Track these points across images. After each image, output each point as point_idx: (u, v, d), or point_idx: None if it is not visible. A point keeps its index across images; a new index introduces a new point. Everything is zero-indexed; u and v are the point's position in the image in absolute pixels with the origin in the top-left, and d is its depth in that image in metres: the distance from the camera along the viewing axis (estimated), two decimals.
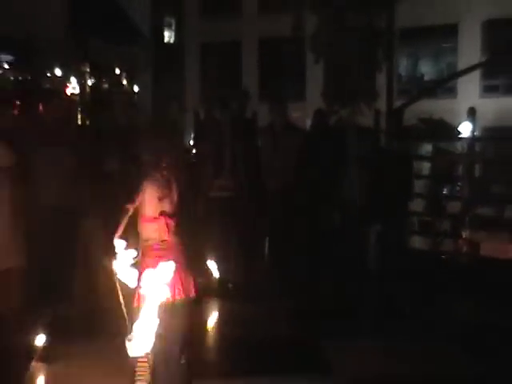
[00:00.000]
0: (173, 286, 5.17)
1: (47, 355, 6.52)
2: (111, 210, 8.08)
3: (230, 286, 8.88)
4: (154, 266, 4.86)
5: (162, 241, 5.26)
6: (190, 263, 5.54)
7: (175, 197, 5.37)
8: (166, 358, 5.16)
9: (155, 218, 5.23)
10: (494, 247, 9.53)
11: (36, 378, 6.30)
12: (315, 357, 6.84)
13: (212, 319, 8.32)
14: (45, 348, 6.54)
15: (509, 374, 6.32)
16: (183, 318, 5.37)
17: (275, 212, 9.02)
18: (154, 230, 5.25)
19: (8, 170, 7.46)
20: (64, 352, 6.61)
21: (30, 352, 6.49)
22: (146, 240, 5.27)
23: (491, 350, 7.03)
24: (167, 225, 5.23)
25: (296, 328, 7.73)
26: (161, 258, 5.06)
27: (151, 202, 5.24)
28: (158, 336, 4.69)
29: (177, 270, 5.04)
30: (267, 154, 9.20)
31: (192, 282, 5.43)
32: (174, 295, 5.20)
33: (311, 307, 8.10)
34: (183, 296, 5.30)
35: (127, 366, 6.35)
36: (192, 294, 5.40)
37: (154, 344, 4.67)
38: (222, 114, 9.61)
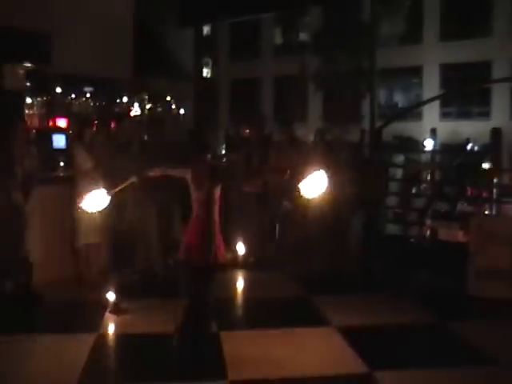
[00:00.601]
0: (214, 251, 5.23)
1: (117, 308, 6.56)
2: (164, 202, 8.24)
3: (252, 259, 8.88)
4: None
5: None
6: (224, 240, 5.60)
7: (210, 187, 5.38)
8: None
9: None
10: (448, 233, 9.51)
11: (108, 325, 6.34)
12: (313, 310, 6.85)
13: (238, 284, 8.32)
14: (114, 303, 6.58)
15: (453, 323, 6.40)
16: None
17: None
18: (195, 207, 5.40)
19: (88, 173, 7.55)
20: (129, 306, 6.65)
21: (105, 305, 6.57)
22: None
23: (442, 305, 7.12)
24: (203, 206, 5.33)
25: (298, 289, 7.75)
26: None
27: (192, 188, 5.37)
28: None
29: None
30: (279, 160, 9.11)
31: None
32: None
33: (309, 274, 8.10)
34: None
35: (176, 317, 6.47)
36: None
37: None
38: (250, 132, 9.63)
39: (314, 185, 5.15)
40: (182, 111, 16.71)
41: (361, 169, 8.89)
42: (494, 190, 9.14)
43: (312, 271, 8.16)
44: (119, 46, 13.44)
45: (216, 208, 5.43)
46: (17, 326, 6.16)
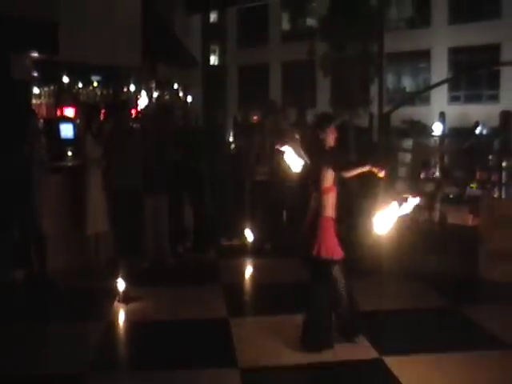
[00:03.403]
0: None
1: (126, 296, 6.53)
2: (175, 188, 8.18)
3: (267, 246, 8.79)
4: None
5: None
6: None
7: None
8: None
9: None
10: (456, 217, 9.44)
11: (118, 312, 6.32)
12: None
13: (254, 272, 8.25)
14: (124, 291, 6.56)
15: (465, 307, 6.33)
16: None
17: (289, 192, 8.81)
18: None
19: (97, 161, 7.53)
20: (138, 294, 6.62)
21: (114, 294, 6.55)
22: None
23: (453, 289, 7.05)
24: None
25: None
26: None
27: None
28: None
29: None
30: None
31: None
32: None
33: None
34: None
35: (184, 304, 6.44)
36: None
37: None
38: (263, 119, 9.50)
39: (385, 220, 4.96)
40: (189, 99, 16.62)
41: (369, 153, 8.80)
42: (504, 173, 9.03)
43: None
44: (126, 34, 13.35)
45: (328, 200, 5.13)
46: (29, 314, 6.19)
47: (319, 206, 5.10)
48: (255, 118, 10.50)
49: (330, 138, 5.18)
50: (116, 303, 6.45)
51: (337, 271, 5.12)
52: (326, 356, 5.08)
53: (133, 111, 11.09)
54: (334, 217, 5.13)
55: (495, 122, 9.53)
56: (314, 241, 5.06)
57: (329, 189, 5.10)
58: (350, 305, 5.20)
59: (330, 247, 5.07)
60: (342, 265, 5.15)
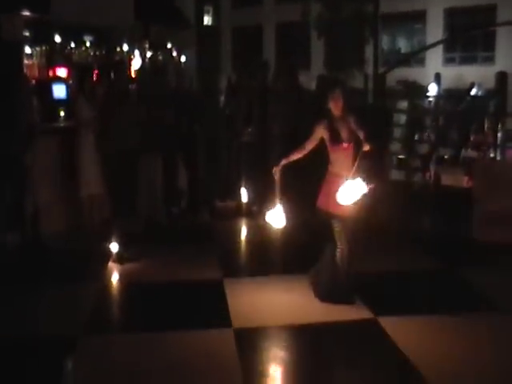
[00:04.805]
0: None
1: (121, 257, 6.50)
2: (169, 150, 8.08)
3: (254, 208, 8.74)
4: None
5: None
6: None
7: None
8: None
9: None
10: (451, 179, 9.40)
11: (112, 274, 6.29)
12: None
13: (248, 233, 8.23)
14: (118, 252, 6.52)
15: (456, 270, 6.33)
16: None
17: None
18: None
19: (90, 122, 7.38)
20: (132, 255, 6.58)
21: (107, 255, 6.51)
22: None
23: (448, 251, 7.04)
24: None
25: (296, 235, 7.58)
26: None
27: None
28: None
29: None
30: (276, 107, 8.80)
31: None
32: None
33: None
34: None
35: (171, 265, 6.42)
36: None
37: None
38: (250, 81, 9.34)
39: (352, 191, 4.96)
40: (183, 59, 16.40)
41: (365, 114, 8.67)
42: (499, 135, 8.96)
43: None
44: None
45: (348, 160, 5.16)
46: (23, 277, 6.14)
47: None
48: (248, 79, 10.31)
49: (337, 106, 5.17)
50: (110, 264, 6.42)
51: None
52: (318, 316, 5.08)
53: (127, 72, 10.90)
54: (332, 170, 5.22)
55: (491, 83, 9.43)
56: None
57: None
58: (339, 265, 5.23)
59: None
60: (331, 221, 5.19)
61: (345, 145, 5.16)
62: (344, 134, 5.18)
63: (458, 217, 7.68)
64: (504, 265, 6.45)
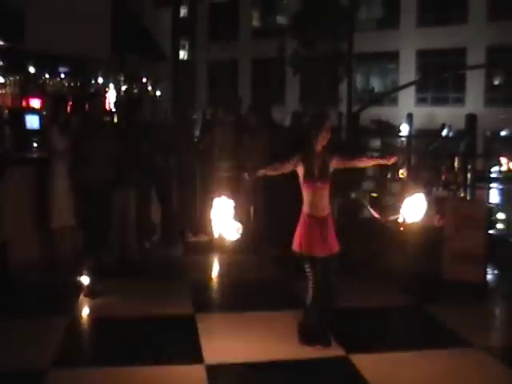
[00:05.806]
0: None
1: (92, 291, 6.44)
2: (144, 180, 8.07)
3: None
4: None
5: None
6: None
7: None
8: None
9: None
10: (423, 217, 9.50)
11: (83, 308, 6.24)
12: (292, 294, 6.72)
13: (221, 268, 8.20)
14: (89, 285, 6.46)
15: (427, 307, 6.44)
16: None
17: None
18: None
19: (63, 153, 7.35)
20: (104, 289, 6.53)
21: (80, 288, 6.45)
22: None
23: (417, 289, 7.15)
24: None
25: (278, 271, 7.70)
26: None
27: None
28: None
29: None
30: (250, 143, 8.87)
31: None
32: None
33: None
34: None
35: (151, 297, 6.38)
36: None
37: None
38: (225, 115, 9.40)
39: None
40: (158, 93, 16.52)
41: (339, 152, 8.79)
42: (469, 175, 9.15)
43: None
44: (95, 25, 13.16)
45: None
46: None
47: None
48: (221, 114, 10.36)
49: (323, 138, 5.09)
50: (81, 298, 6.36)
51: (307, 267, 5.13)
52: (290, 353, 5.09)
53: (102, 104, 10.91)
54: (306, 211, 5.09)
55: (461, 124, 9.63)
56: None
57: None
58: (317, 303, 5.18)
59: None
60: (311, 260, 5.14)
61: (319, 184, 5.02)
62: (321, 172, 5.03)
63: (429, 255, 7.78)
64: (470, 302, 6.63)
